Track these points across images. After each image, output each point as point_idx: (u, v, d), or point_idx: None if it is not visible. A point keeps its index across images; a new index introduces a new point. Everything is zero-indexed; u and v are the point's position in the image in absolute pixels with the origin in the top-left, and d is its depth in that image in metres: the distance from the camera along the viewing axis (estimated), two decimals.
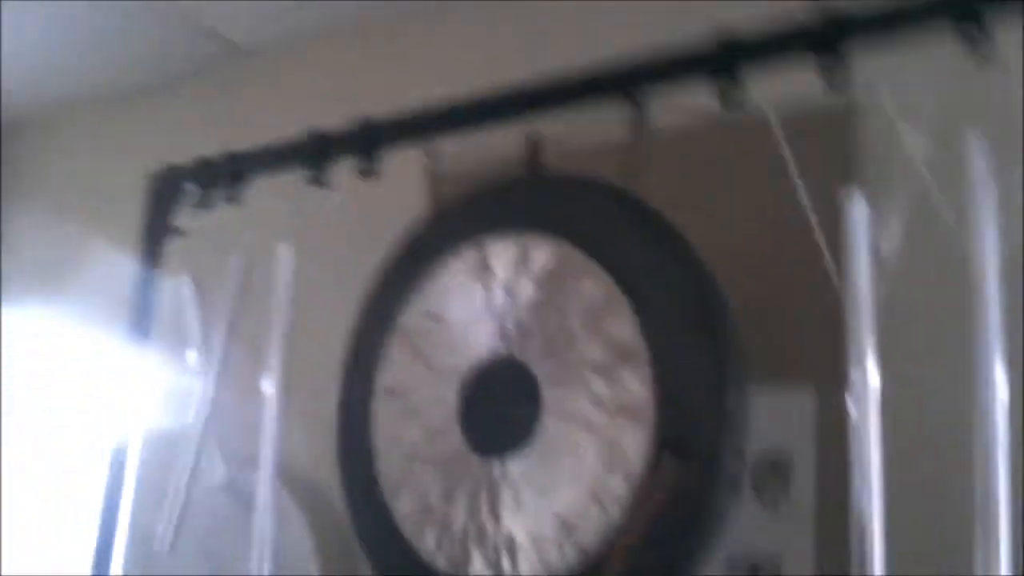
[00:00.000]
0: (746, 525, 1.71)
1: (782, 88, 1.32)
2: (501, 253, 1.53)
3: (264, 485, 1.67)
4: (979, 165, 1.15)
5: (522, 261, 1.50)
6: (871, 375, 1.16)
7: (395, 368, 1.62)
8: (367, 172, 1.70)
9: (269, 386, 1.70)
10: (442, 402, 1.53)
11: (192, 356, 1.94)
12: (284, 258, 1.72)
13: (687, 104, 1.49)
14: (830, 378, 1.27)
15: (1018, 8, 1.15)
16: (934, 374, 1.54)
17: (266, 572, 1.61)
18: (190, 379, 1.96)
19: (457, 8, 2.37)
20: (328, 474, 1.80)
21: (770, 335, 1.67)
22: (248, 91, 2.73)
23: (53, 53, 2.81)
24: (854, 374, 1.17)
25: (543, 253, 1.48)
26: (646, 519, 1.26)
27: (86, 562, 1.86)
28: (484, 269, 1.54)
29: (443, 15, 2.40)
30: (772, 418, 1.70)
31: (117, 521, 1.89)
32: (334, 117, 1.76)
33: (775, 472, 1.73)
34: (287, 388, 1.70)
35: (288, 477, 2.18)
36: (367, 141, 1.70)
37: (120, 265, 2.33)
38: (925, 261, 1.28)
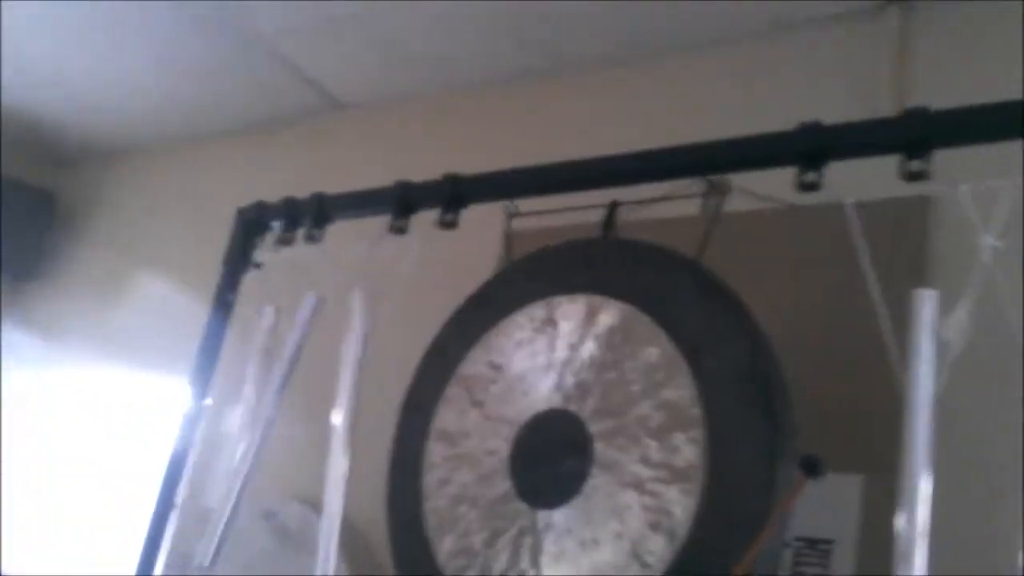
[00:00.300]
0: None
1: (859, 175, 1.35)
2: (568, 310, 1.57)
3: (330, 523, 1.68)
4: None
5: (588, 320, 1.55)
6: (924, 471, 1.16)
7: (452, 413, 1.66)
8: (447, 223, 1.77)
9: (338, 425, 1.72)
10: (495, 449, 1.57)
11: (254, 385, 1.99)
12: (360, 302, 1.78)
13: (763, 191, 1.54)
14: (881, 466, 1.26)
15: None
16: (989, 471, 1.54)
17: None
18: (249, 407, 2.03)
19: (547, 81, 2.47)
20: (372, 513, 1.84)
21: (825, 419, 1.68)
22: (340, 142, 2.84)
23: (156, 86, 2.95)
24: (905, 467, 1.17)
25: (610, 315, 1.52)
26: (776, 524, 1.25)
27: None
28: (550, 324, 1.59)
29: (534, 87, 2.50)
30: (819, 501, 1.70)
31: (161, 542, 1.93)
32: (420, 174, 1.84)
33: (815, 551, 1.72)
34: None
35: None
36: (451, 195, 1.76)
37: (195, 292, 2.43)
38: (987, 354, 1.29)
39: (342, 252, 1.91)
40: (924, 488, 1.15)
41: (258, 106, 2.94)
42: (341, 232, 1.93)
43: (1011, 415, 1.15)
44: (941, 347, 1.18)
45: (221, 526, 1.79)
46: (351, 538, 2.26)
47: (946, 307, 1.21)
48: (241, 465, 1.81)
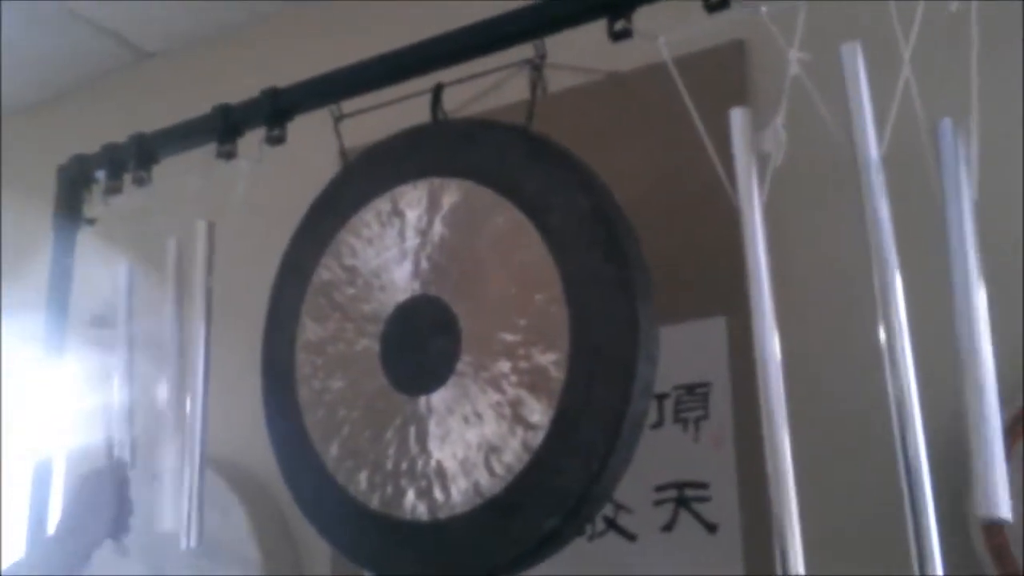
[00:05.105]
0: (672, 453, 1.76)
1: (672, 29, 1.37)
2: (412, 198, 1.57)
3: (192, 464, 1.65)
4: (853, 70, 1.22)
5: (433, 204, 1.55)
6: (767, 296, 1.20)
7: (315, 323, 1.64)
8: (275, 139, 1.74)
9: (197, 368, 1.70)
10: (364, 348, 1.57)
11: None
12: (202, 232, 1.74)
13: (579, 66, 1.56)
14: (740, 306, 1.28)
15: None
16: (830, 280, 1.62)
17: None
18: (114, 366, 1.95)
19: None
20: (262, 450, 1.82)
21: (683, 270, 1.75)
22: (154, 93, 2.73)
23: None
24: (753, 297, 1.20)
25: (451, 194, 1.53)
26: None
27: None
28: (396, 215, 1.58)
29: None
30: (689, 349, 1.77)
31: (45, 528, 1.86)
32: None
33: (693, 396, 1.79)
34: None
35: (220, 464, 2.17)
36: (274, 109, 1.73)
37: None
38: (810, 158, 1.34)
39: (178, 188, 1.85)
40: (770, 314, 1.18)
41: (65, 68, 2.81)
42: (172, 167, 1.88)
43: (838, 216, 1.21)
44: (762, 160, 1.23)
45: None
46: (246, 481, 2.23)
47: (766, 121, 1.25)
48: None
